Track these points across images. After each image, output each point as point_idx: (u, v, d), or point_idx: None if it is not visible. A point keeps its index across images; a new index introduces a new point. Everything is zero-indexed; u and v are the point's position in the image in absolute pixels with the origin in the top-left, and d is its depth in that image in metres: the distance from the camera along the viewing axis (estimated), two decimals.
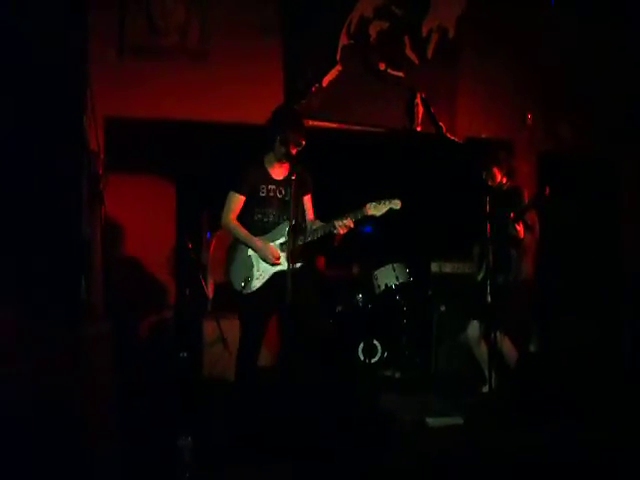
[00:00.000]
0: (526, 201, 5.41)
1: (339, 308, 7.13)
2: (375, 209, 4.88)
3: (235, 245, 5.14)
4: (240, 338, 5.08)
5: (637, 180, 6.88)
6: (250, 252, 5.05)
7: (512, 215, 5.31)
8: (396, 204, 4.91)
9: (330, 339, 6.39)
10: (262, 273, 5.03)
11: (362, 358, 6.81)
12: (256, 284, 5.02)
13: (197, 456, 3.95)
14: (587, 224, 6.84)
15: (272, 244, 5.02)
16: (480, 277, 5.71)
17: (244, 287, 5.03)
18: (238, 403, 4.98)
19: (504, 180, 5.59)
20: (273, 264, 4.99)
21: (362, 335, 6.88)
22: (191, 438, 3.95)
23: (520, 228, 5.32)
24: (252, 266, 5.05)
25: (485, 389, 5.62)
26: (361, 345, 6.85)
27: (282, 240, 5.02)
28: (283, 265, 4.98)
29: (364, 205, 4.89)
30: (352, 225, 4.89)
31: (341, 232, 4.88)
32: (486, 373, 5.61)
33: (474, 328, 5.72)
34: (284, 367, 5.01)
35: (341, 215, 4.92)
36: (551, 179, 6.44)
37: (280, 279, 4.92)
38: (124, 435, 4.21)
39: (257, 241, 5.01)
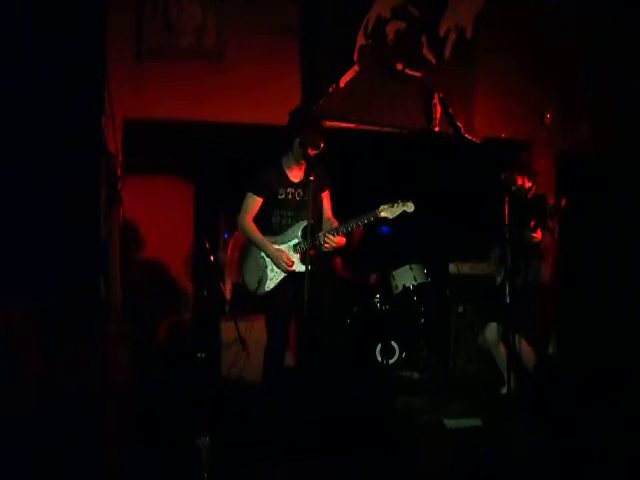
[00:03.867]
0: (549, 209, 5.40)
1: (356, 309, 7.11)
2: (388, 212, 4.88)
3: (249, 246, 5.15)
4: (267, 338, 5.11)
5: None
6: (264, 253, 5.06)
7: (532, 223, 5.29)
8: (409, 207, 4.89)
9: (344, 342, 6.43)
10: (276, 274, 5.03)
11: (380, 359, 6.78)
12: (270, 285, 5.03)
13: (215, 456, 3.96)
14: (608, 225, 6.78)
15: (285, 245, 5.02)
16: (499, 280, 5.69)
17: (258, 288, 5.05)
18: (257, 403, 5.00)
19: (527, 185, 5.53)
20: (286, 270, 4.99)
21: (380, 336, 6.86)
22: (209, 438, 3.96)
23: (537, 235, 5.29)
24: (266, 267, 5.06)
25: (504, 391, 5.59)
26: (379, 346, 6.83)
27: (295, 241, 5.03)
28: (296, 266, 4.99)
29: (377, 208, 4.90)
30: (343, 242, 4.93)
31: (327, 245, 4.88)
32: (505, 375, 5.59)
33: (492, 330, 5.69)
34: (302, 368, 5.01)
35: (352, 217, 4.93)
36: (571, 179, 6.43)
37: (293, 279, 4.95)
38: (142, 435, 4.23)
39: (271, 247, 5.01)
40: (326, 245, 4.90)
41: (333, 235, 4.91)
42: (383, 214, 4.89)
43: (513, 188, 5.50)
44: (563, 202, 5.07)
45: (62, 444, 3.67)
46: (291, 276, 4.99)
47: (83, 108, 5.08)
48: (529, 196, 5.51)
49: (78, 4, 5.09)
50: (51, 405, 3.74)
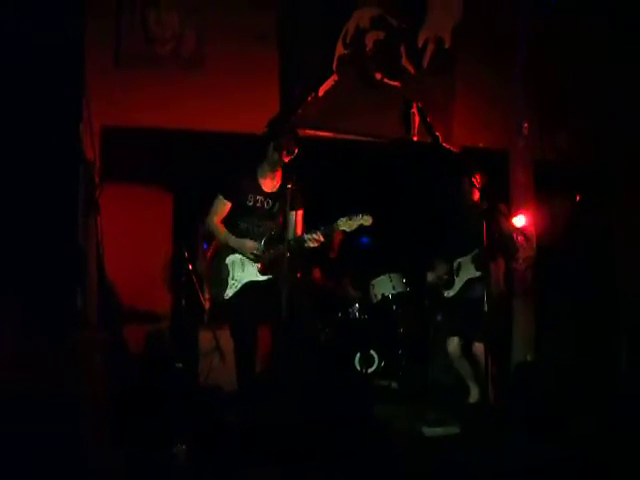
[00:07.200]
0: (500, 216, 5.60)
1: (335, 319, 7.10)
2: (346, 225, 4.95)
3: (216, 254, 5.22)
4: (234, 347, 5.15)
5: (634, 187, 6.86)
6: (227, 260, 5.13)
7: (514, 227, 5.43)
8: (367, 220, 4.98)
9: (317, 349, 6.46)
10: (235, 282, 5.11)
11: (359, 368, 6.79)
12: (229, 293, 5.12)
13: (192, 464, 3.95)
14: (583, 233, 6.83)
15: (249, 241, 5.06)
16: (453, 293, 5.77)
17: (218, 295, 5.12)
18: (234, 411, 5.00)
19: (476, 195, 5.69)
20: (253, 255, 5.04)
21: (359, 345, 6.86)
22: (186, 446, 3.95)
23: (521, 239, 5.43)
24: (227, 274, 5.13)
25: (471, 400, 5.68)
26: (358, 355, 6.83)
27: (257, 252, 5.08)
28: (255, 276, 5.04)
29: (335, 221, 4.95)
30: (322, 239, 4.99)
31: (311, 245, 4.95)
32: (469, 385, 5.72)
33: (454, 344, 5.76)
34: (277, 375, 5.01)
35: (312, 229, 4.98)
36: (548, 188, 6.48)
37: (252, 289, 5.07)
38: (119, 444, 4.20)
39: (235, 238, 5.08)
40: (310, 244, 4.97)
41: (311, 235, 4.98)
42: (342, 227, 4.96)
43: (467, 198, 5.69)
44: (577, 198, 5.20)
45: (38, 451, 3.64)
46: (250, 285, 5.04)
47: (61, 115, 5.06)
48: (480, 204, 5.61)
49: (56, 11, 5.09)
50: (26, 412, 3.71)
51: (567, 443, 4.73)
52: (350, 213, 4.96)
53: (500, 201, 5.81)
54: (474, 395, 5.79)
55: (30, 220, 4.68)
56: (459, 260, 5.77)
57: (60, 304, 4.71)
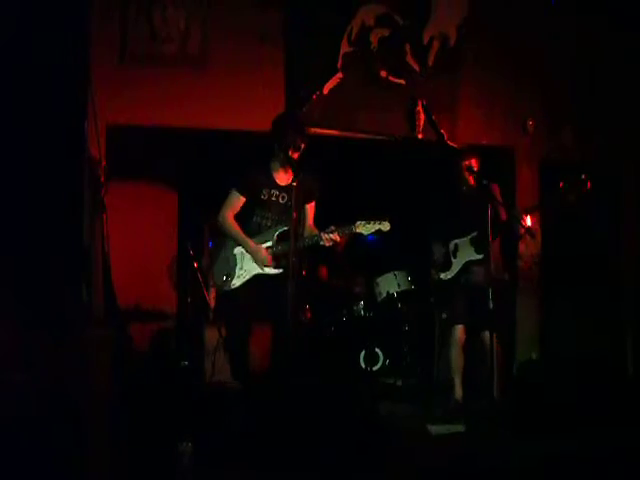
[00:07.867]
0: (498, 197, 5.49)
1: (340, 316, 7.11)
2: (363, 228, 4.97)
3: (221, 243, 5.20)
4: (225, 338, 5.15)
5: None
6: (236, 250, 5.12)
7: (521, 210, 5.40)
8: (385, 226, 4.99)
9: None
10: (244, 273, 5.08)
11: (364, 366, 6.79)
12: (236, 283, 5.09)
13: (197, 462, 3.95)
14: (589, 230, 6.82)
15: (263, 246, 5.06)
16: (451, 275, 5.70)
17: (224, 284, 5.09)
18: (238, 409, 5.00)
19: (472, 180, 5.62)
20: (264, 266, 5.02)
21: (364, 343, 6.87)
22: (191, 444, 3.95)
23: (527, 220, 5.38)
24: (235, 264, 5.11)
25: (456, 395, 5.64)
26: (363, 353, 6.83)
27: (268, 244, 5.08)
28: (267, 269, 5.03)
29: (354, 222, 4.96)
30: (339, 239, 4.98)
31: (327, 244, 4.94)
32: (454, 380, 5.68)
33: (459, 333, 5.72)
34: (281, 374, 5.00)
35: (328, 228, 4.97)
36: (553, 186, 6.47)
37: (260, 282, 5.04)
38: (125, 441, 4.20)
39: (251, 242, 5.05)
40: (327, 243, 4.96)
41: (328, 234, 4.96)
42: (359, 230, 4.97)
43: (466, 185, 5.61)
44: (588, 184, 5.19)
45: (44, 448, 3.65)
46: (259, 277, 5.04)
47: (66, 113, 5.07)
48: (475, 188, 5.56)
49: (62, 9, 5.09)
50: (33, 409, 3.72)
51: (570, 442, 4.73)
52: (369, 216, 4.97)
53: (494, 182, 5.74)
54: (458, 391, 5.75)
55: (36, 219, 4.70)
56: (455, 241, 5.67)
57: (66, 302, 4.72)
